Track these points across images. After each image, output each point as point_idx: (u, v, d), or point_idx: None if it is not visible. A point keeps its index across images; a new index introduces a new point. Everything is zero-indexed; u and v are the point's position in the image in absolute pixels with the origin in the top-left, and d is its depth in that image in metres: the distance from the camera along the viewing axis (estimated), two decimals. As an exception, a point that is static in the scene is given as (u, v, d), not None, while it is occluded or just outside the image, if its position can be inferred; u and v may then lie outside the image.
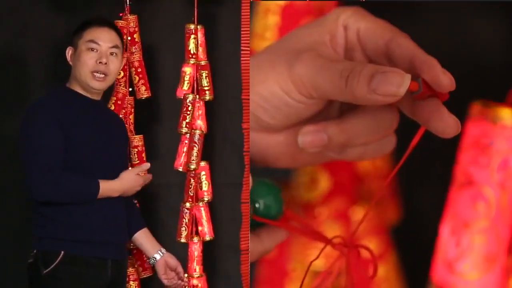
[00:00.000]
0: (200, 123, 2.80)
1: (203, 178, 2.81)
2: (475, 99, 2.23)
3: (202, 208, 2.81)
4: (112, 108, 2.80)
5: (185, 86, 2.79)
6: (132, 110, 2.87)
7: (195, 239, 2.79)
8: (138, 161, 2.87)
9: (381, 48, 1.58)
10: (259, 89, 1.60)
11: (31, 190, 2.35)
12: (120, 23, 2.80)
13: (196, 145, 2.77)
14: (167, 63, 2.97)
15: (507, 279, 2.20)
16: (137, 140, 2.87)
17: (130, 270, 2.83)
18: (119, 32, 2.55)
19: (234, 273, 2.76)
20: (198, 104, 2.79)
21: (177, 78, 2.81)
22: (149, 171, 2.86)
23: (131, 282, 2.84)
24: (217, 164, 2.92)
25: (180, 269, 2.63)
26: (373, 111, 1.61)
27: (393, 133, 1.68)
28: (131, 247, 2.83)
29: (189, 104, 2.76)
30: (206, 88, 2.79)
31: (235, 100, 2.74)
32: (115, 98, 2.81)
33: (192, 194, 2.79)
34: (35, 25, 2.99)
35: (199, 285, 2.80)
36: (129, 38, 2.83)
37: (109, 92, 2.74)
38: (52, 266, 2.36)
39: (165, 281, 2.63)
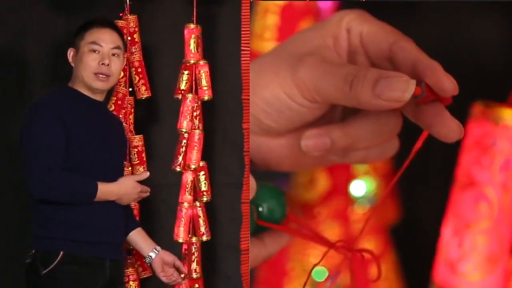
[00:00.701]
0: (198, 123, 2.80)
1: (202, 178, 2.81)
2: (476, 99, 2.23)
3: (200, 208, 2.81)
4: (112, 108, 2.80)
5: (183, 86, 2.79)
6: (132, 110, 2.86)
7: (194, 239, 2.79)
8: (138, 161, 2.86)
9: (384, 51, 1.57)
10: (262, 93, 1.59)
11: (30, 189, 2.35)
12: (120, 23, 2.80)
13: (197, 145, 2.77)
14: (167, 63, 2.96)
15: (509, 280, 2.21)
16: (137, 140, 2.87)
17: (130, 270, 2.83)
18: (120, 32, 2.55)
19: (234, 273, 2.76)
20: (196, 104, 2.79)
21: (177, 78, 2.81)
22: (149, 171, 2.88)
23: (131, 282, 2.84)
24: (217, 164, 2.92)
25: (178, 262, 2.62)
26: (376, 115, 1.60)
27: (396, 137, 1.68)
28: (131, 247, 2.83)
29: (189, 103, 2.76)
30: (205, 88, 2.79)
31: (235, 100, 2.74)
32: (115, 98, 2.81)
33: (188, 194, 2.78)
34: (35, 25, 2.99)
35: (197, 285, 2.80)
36: (129, 38, 2.83)
37: (109, 92, 2.74)
38: (51, 266, 2.35)
39: (164, 279, 2.62)
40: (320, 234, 1.66)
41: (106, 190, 2.41)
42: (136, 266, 2.85)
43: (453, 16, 2.46)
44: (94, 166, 2.43)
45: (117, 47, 2.50)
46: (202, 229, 2.80)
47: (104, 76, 2.46)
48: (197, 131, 2.77)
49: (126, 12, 2.84)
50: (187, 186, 2.78)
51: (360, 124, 1.61)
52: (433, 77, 1.49)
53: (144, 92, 2.87)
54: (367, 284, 1.62)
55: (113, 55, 2.48)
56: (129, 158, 2.86)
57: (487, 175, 2.18)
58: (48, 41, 2.98)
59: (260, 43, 2.47)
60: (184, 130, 2.76)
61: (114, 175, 2.48)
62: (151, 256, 2.59)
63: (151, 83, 2.89)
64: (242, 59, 2.61)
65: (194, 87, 2.80)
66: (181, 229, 2.77)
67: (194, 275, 2.78)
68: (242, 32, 2.59)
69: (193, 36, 2.77)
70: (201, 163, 2.81)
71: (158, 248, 2.60)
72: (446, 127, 1.51)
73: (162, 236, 2.89)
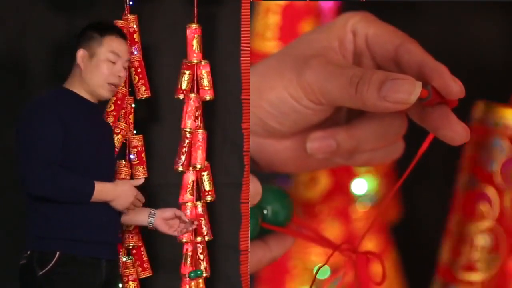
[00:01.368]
0: (199, 123, 2.80)
1: (206, 178, 2.81)
2: (478, 100, 2.23)
3: (202, 208, 2.80)
4: (112, 108, 2.80)
5: (185, 86, 2.79)
6: (132, 110, 2.86)
7: (199, 238, 2.79)
8: (138, 161, 2.86)
9: (389, 54, 1.57)
10: (268, 95, 1.59)
11: (27, 184, 2.33)
12: (120, 23, 2.80)
13: (201, 145, 2.77)
14: (167, 63, 2.96)
15: (510, 280, 2.21)
16: (137, 140, 2.87)
17: (130, 270, 2.83)
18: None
19: (234, 273, 2.76)
20: (197, 104, 2.79)
21: (177, 78, 2.80)
22: (149, 170, 2.88)
23: (131, 282, 2.84)
24: (217, 164, 2.92)
25: (178, 212, 2.62)
26: (381, 117, 1.60)
27: (401, 139, 1.68)
28: (130, 247, 2.82)
29: (192, 103, 2.76)
30: (207, 88, 2.79)
31: (235, 100, 2.74)
32: (115, 98, 2.81)
33: (190, 194, 2.78)
34: (35, 25, 2.99)
35: (200, 283, 2.80)
36: (129, 38, 2.82)
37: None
38: (48, 267, 2.34)
39: (175, 233, 2.62)
40: (324, 236, 1.66)
41: (102, 189, 2.40)
42: (136, 266, 2.85)
43: (453, 16, 2.46)
44: (90, 167, 2.43)
45: (128, 60, 2.55)
46: (205, 229, 2.80)
47: (114, 86, 2.50)
48: (200, 131, 2.78)
49: (126, 12, 2.84)
50: (189, 186, 2.78)
51: (365, 126, 1.62)
52: (440, 80, 1.49)
53: (143, 92, 2.87)
54: (371, 285, 1.62)
55: (124, 67, 2.51)
56: (129, 158, 2.86)
57: (488, 175, 2.18)
58: (48, 41, 2.97)
59: (261, 42, 2.47)
60: (188, 130, 2.76)
61: (108, 177, 2.49)
62: (151, 222, 2.58)
63: (151, 83, 2.89)
64: (242, 59, 2.60)
65: (196, 87, 2.80)
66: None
67: (204, 274, 2.79)
68: (242, 32, 2.59)
69: (195, 36, 2.77)
70: (205, 163, 2.81)
71: (153, 210, 2.59)
72: (452, 130, 1.51)
73: (162, 236, 2.88)
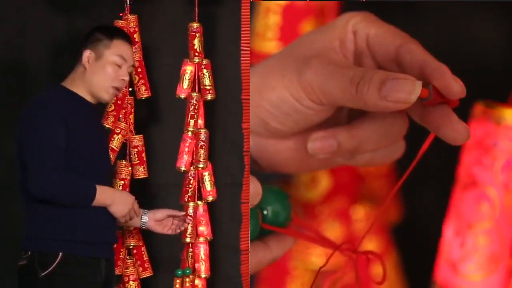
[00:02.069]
0: (201, 122, 2.80)
1: (207, 178, 2.80)
2: (478, 99, 2.23)
3: (203, 209, 2.80)
4: (112, 108, 2.80)
5: (186, 85, 2.79)
6: (132, 110, 2.86)
7: (201, 239, 2.79)
8: (138, 161, 2.86)
9: (390, 54, 1.57)
10: (269, 95, 1.59)
11: (33, 188, 2.33)
12: (120, 23, 2.80)
13: (204, 144, 2.76)
14: (167, 63, 2.96)
15: (511, 280, 2.20)
16: (137, 140, 2.87)
17: (130, 270, 2.83)
18: None
19: (234, 273, 2.76)
20: (199, 104, 2.79)
21: (177, 78, 2.80)
22: (149, 170, 2.88)
23: (131, 282, 2.84)
24: (217, 164, 2.92)
25: (170, 212, 2.64)
26: (383, 117, 1.60)
27: (402, 139, 1.68)
28: (131, 247, 2.82)
29: (195, 102, 2.75)
30: (208, 88, 2.79)
31: (235, 100, 2.74)
32: (115, 98, 2.81)
33: (191, 194, 2.78)
34: (35, 25, 2.99)
35: (200, 285, 2.80)
36: (129, 38, 2.83)
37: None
38: (51, 268, 2.34)
39: (170, 231, 2.65)
40: (325, 236, 1.66)
41: (102, 192, 2.40)
42: (136, 266, 2.85)
43: (453, 16, 2.46)
44: (89, 167, 2.43)
45: (133, 65, 2.58)
46: (205, 229, 2.80)
47: (116, 90, 2.51)
48: (203, 130, 2.77)
49: (126, 12, 2.84)
50: (190, 185, 2.78)
51: (366, 126, 1.61)
52: (442, 80, 1.49)
53: (144, 92, 2.86)
54: (371, 285, 1.62)
55: (128, 72, 2.54)
56: (129, 158, 2.86)
57: (488, 175, 2.18)
58: (48, 41, 2.97)
59: (262, 42, 2.46)
60: (191, 129, 2.76)
61: (104, 178, 2.49)
62: (144, 223, 2.59)
63: (151, 83, 2.89)
64: (242, 59, 2.60)
65: (197, 86, 2.79)
66: (190, 228, 2.76)
67: (204, 275, 2.79)
68: (242, 32, 2.59)
69: (197, 35, 2.77)
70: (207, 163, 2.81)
71: (146, 211, 2.60)
72: (453, 130, 1.50)
73: (163, 236, 2.89)
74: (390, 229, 2.52)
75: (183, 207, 2.77)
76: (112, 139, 2.81)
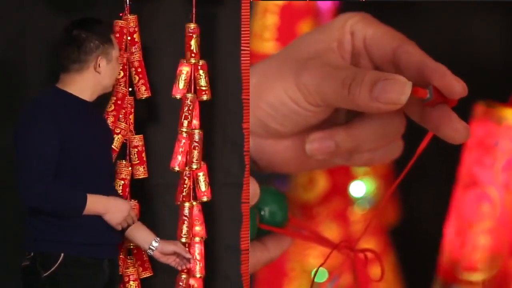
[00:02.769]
0: (196, 122, 2.79)
1: (202, 178, 2.80)
2: (478, 99, 2.23)
3: (197, 208, 2.80)
4: (112, 108, 2.80)
5: (182, 85, 2.78)
6: (132, 110, 2.86)
7: (197, 238, 2.79)
8: (138, 161, 2.86)
9: (388, 55, 1.57)
10: (267, 97, 1.59)
11: (22, 196, 2.34)
12: (120, 23, 2.80)
13: (198, 145, 2.76)
14: (167, 63, 2.96)
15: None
16: (137, 140, 2.87)
17: (130, 270, 2.83)
18: None
19: (234, 273, 2.76)
20: (194, 104, 2.79)
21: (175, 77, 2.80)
22: (149, 170, 2.88)
23: (131, 282, 2.84)
24: (217, 164, 2.92)
25: (179, 249, 2.64)
26: (380, 117, 1.60)
27: (400, 139, 1.68)
28: (131, 247, 2.83)
29: (190, 103, 2.75)
30: (204, 88, 2.79)
31: (235, 100, 2.74)
32: (115, 98, 2.81)
33: (186, 194, 2.78)
34: (35, 25, 2.99)
35: (195, 285, 2.80)
36: (129, 38, 2.82)
37: (108, 92, 2.74)
38: (53, 268, 2.35)
39: (173, 264, 2.66)
40: (322, 236, 1.66)
41: (94, 202, 2.40)
42: (136, 266, 2.85)
43: (453, 16, 2.45)
44: (90, 167, 2.43)
45: None
46: (200, 229, 2.80)
47: None
48: (197, 131, 2.77)
49: (126, 12, 2.83)
50: (185, 185, 2.78)
51: (364, 126, 1.61)
52: (442, 80, 1.48)
53: (144, 92, 2.86)
54: (369, 284, 1.62)
55: None
56: (129, 158, 2.86)
57: (489, 175, 2.17)
58: (48, 41, 2.97)
59: (259, 43, 2.46)
60: (185, 129, 2.76)
61: (107, 176, 2.49)
62: (153, 249, 2.59)
63: (151, 83, 2.88)
64: (242, 59, 2.60)
65: (193, 87, 2.79)
66: (185, 229, 2.76)
67: (198, 275, 2.78)
68: (242, 32, 2.59)
69: (194, 36, 2.76)
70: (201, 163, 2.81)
71: (156, 244, 2.60)
72: (453, 129, 1.50)
73: (162, 236, 2.87)
74: (389, 230, 2.52)
75: (180, 207, 2.78)
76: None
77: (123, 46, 2.80)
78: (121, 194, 2.74)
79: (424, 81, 1.50)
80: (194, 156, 2.75)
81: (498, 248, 2.18)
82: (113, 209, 2.44)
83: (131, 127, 2.87)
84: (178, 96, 2.78)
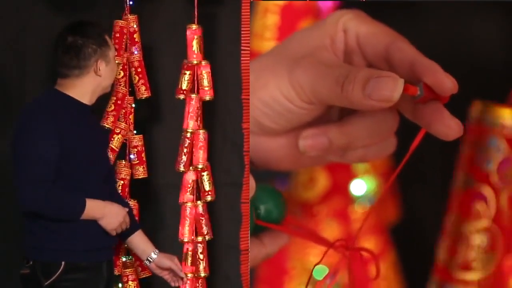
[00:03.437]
0: (199, 123, 2.80)
1: (206, 178, 2.80)
2: (475, 99, 2.23)
3: (202, 208, 2.80)
4: (112, 108, 2.80)
5: (185, 86, 2.79)
6: (132, 110, 2.86)
7: (200, 238, 2.79)
8: (138, 161, 2.86)
9: (380, 52, 1.57)
10: (261, 94, 1.60)
11: (19, 200, 2.33)
12: (120, 23, 2.80)
13: (203, 145, 2.77)
14: (167, 63, 2.96)
15: (508, 279, 2.20)
16: (137, 140, 2.87)
17: (130, 270, 2.84)
18: None
19: (234, 273, 2.76)
20: (198, 105, 2.79)
21: (177, 78, 2.80)
22: (149, 170, 2.88)
23: (130, 282, 2.84)
24: (217, 164, 2.92)
25: (174, 266, 2.65)
26: (373, 114, 1.60)
27: (393, 135, 1.68)
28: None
29: (194, 104, 2.76)
30: (206, 88, 2.79)
31: (235, 100, 2.74)
32: (115, 98, 2.81)
33: (191, 194, 2.78)
34: (35, 25, 2.99)
35: (199, 285, 2.80)
36: (129, 38, 2.83)
37: (108, 92, 2.74)
38: (54, 277, 2.35)
39: (167, 277, 2.67)
40: (318, 233, 1.67)
41: (92, 206, 2.40)
42: (135, 266, 2.85)
43: (453, 16, 2.46)
44: (85, 173, 2.43)
45: None
46: (205, 228, 2.80)
47: None
48: (201, 131, 2.77)
49: (126, 12, 2.84)
50: (189, 186, 2.78)
51: (357, 123, 1.62)
52: (433, 77, 1.49)
53: (143, 92, 2.86)
54: (365, 282, 1.63)
55: None
56: (129, 158, 2.86)
57: (485, 175, 2.17)
58: (48, 41, 2.97)
59: (260, 43, 2.47)
60: (190, 130, 2.76)
61: (102, 180, 2.49)
62: (150, 261, 2.60)
63: (151, 83, 2.88)
64: (242, 59, 2.61)
65: (196, 87, 2.80)
66: (187, 228, 2.76)
67: (203, 274, 2.78)
68: (242, 32, 2.59)
69: (195, 37, 2.76)
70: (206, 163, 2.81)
71: (154, 256, 2.61)
72: (445, 125, 1.51)
73: (163, 236, 2.90)
74: (389, 229, 2.52)
75: (182, 207, 2.78)
76: (112, 139, 2.81)
77: (123, 46, 2.81)
78: (120, 194, 2.74)
79: (416, 78, 1.51)
80: (200, 156, 2.76)
81: (494, 247, 2.17)
82: (109, 214, 2.44)
83: (131, 127, 2.87)
84: (182, 97, 2.78)
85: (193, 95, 2.76)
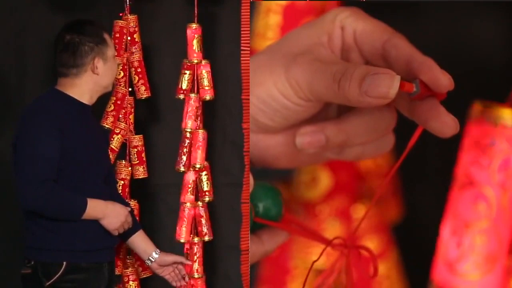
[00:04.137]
0: (199, 123, 2.80)
1: (205, 178, 2.80)
2: (476, 99, 2.23)
3: (202, 209, 2.80)
4: (112, 108, 2.80)
5: (185, 86, 2.79)
6: (132, 110, 2.86)
7: (196, 239, 2.79)
8: (138, 161, 2.86)
9: (377, 49, 1.58)
10: (258, 91, 1.60)
11: (21, 198, 2.32)
12: (120, 23, 2.80)
13: (201, 145, 2.76)
14: (167, 63, 2.96)
15: (508, 280, 2.21)
16: (137, 140, 2.87)
17: (130, 270, 2.83)
18: None
19: (234, 273, 2.76)
20: (197, 104, 2.79)
21: (177, 78, 2.80)
22: (149, 170, 2.88)
23: (131, 282, 2.84)
24: (217, 164, 2.92)
25: (178, 259, 2.64)
26: (371, 111, 1.61)
27: (391, 132, 1.69)
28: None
29: (193, 103, 2.75)
30: (207, 88, 2.79)
31: (235, 100, 2.74)
32: (115, 98, 2.81)
33: (190, 194, 2.78)
34: (35, 25, 2.98)
35: (196, 285, 2.80)
36: (129, 38, 2.82)
37: (108, 92, 2.74)
38: (55, 277, 2.34)
39: (168, 277, 2.66)
40: (316, 231, 1.68)
41: (93, 206, 2.39)
42: (136, 266, 2.85)
43: (453, 16, 2.46)
44: (89, 170, 2.43)
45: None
46: (205, 229, 2.80)
47: None
48: (201, 131, 2.77)
49: (126, 12, 2.83)
50: (189, 186, 2.78)
51: (354, 120, 1.62)
52: (429, 74, 1.50)
53: (143, 92, 2.86)
54: (364, 281, 1.63)
55: None
56: (129, 158, 2.86)
57: (485, 175, 2.18)
58: (48, 41, 2.96)
59: (262, 42, 2.47)
60: (189, 130, 2.76)
61: (103, 180, 2.49)
62: (152, 260, 2.60)
63: (151, 83, 2.88)
64: (242, 59, 2.61)
65: (196, 87, 2.79)
66: (184, 229, 2.76)
67: (196, 275, 2.78)
68: (242, 32, 2.59)
69: (196, 36, 2.76)
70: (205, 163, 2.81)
71: (158, 251, 2.61)
72: (441, 122, 1.51)
73: (162, 236, 2.89)
74: (391, 228, 2.53)
75: (180, 207, 2.78)
76: (112, 139, 2.80)
77: (123, 46, 2.80)
78: (120, 195, 2.74)
79: (412, 75, 1.52)
80: (198, 156, 2.75)
81: (494, 247, 2.18)
82: (111, 214, 2.43)
83: (131, 127, 2.86)
84: (182, 97, 2.78)
85: (192, 95, 2.76)
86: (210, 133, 2.85)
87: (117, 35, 2.79)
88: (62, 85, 2.47)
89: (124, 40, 2.80)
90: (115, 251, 2.58)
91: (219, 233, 2.92)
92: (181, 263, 2.64)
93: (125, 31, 2.80)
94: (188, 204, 2.77)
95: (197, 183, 2.80)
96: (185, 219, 2.77)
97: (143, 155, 2.88)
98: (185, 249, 2.79)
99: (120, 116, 2.83)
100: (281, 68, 1.59)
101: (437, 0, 2.47)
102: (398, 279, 2.51)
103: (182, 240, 2.77)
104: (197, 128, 2.78)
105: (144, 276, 2.87)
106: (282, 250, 2.49)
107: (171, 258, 2.62)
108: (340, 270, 1.67)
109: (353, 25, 1.62)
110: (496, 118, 2.20)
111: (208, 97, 2.79)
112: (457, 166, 2.26)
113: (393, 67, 1.54)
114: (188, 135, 2.76)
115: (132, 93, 2.86)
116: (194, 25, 2.77)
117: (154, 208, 3.00)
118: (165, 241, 2.87)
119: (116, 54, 2.60)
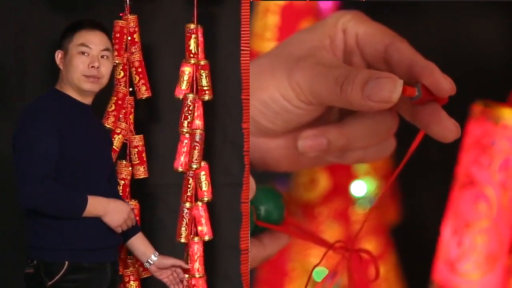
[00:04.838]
0: (199, 123, 2.79)
1: (203, 178, 2.80)
2: (476, 99, 2.23)
3: (202, 208, 2.80)
4: (112, 108, 2.80)
5: (184, 86, 2.78)
6: (132, 110, 2.86)
7: (196, 239, 2.79)
8: (138, 161, 2.86)
9: (379, 53, 1.58)
10: (260, 95, 1.60)
11: (20, 197, 2.31)
12: (120, 23, 2.80)
13: (198, 145, 2.76)
14: (167, 63, 2.96)
15: (509, 279, 2.21)
16: (137, 140, 2.87)
17: (130, 270, 2.84)
18: (108, 34, 2.54)
19: (234, 273, 2.76)
20: (197, 104, 2.79)
21: (177, 78, 2.80)
22: (149, 170, 2.88)
23: (132, 282, 2.84)
24: (217, 164, 2.92)
25: (177, 262, 2.64)
26: (373, 115, 1.61)
27: (392, 136, 1.69)
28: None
29: (190, 103, 2.75)
30: (205, 88, 2.79)
31: (235, 100, 2.74)
32: (115, 98, 2.81)
33: (190, 194, 2.78)
34: (35, 25, 2.99)
35: (197, 285, 2.80)
36: (129, 38, 2.82)
37: (108, 92, 2.74)
38: (57, 277, 2.34)
39: (166, 280, 2.65)
40: (318, 234, 1.67)
41: (94, 203, 2.38)
42: (136, 266, 2.85)
43: (453, 16, 2.46)
44: (89, 169, 2.42)
45: (107, 49, 2.49)
46: (205, 229, 2.80)
47: (93, 78, 2.45)
48: (198, 131, 2.77)
49: (126, 12, 2.83)
50: (189, 186, 2.78)
51: (356, 124, 1.62)
52: (431, 78, 1.50)
53: (144, 92, 2.86)
54: (365, 284, 1.63)
55: (102, 57, 2.47)
56: (129, 158, 2.86)
57: (486, 175, 2.18)
58: (48, 41, 2.97)
59: (260, 43, 2.47)
60: (185, 130, 2.76)
61: (105, 178, 2.48)
62: (151, 263, 2.59)
63: (151, 83, 2.88)
64: (242, 59, 2.60)
65: (195, 87, 2.79)
66: (183, 229, 2.76)
67: (197, 275, 2.78)
68: (242, 32, 2.59)
69: (193, 36, 2.76)
70: (202, 163, 2.81)
71: (157, 253, 2.61)
72: (443, 127, 1.51)
73: (162, 236, 2.90)
74: (389, 229, 2.52)
75: (180, 207, 2.77)
76: (112, 139, 2.80)
77: (123, 46, 2.80)
78: (121, 194, 2.74)
79: (414, 79, 1.51)
80: (194, 156, 2.75)
81: (495, 247, 2.18)
82: (113, 211, 2.43)
83: (131, 127, 2.87)
84: (181, 97, 2.78)
85: (189, 95, 2.76)
86: (210, 133, 2.85)
87: (117, 35, 2.79)
88: (57, 84, 2.48)
89: (124, 40, 2.81)
90: (118, 251, 2.58)
91: (219, 233, 2.92)
92: (180, 267, 2.64)
93: (125, 31, 2.80)
94: (187, 204, 2.77)
95: (196, 183, 2.80)
96: (184, 219, 2.77)
97: (143, 155, 2.88)
98: (185, 249, 2.79)
99: (121, 116, 2.83)
100: (283, 72, 1.59)
101: (437, 0, 2.46)
102: (396, 282, 2.51)
103: (182, 240, 2.77)
104: (195, 128, 2.77)
105: (145, 276, 2.87)
106: (280, 252, 2.48)
107: (169, 261, 2.62)
108: (341, 272, 1.67)
109: (355, 28, 1.62)
110: (497, 117, 2.19)
111: (206, 97, 2.79)
112: (457, 166, 2.26)
113: (395, 70, 1.54)
114: (186, 135, 2.76)
115: (132, 93, 2.87)
116: (191, 25, 2.77)
117: (154, 208, 3.00)
118: (165, 241, 2.87)
119: (116, 54, 2.59)
